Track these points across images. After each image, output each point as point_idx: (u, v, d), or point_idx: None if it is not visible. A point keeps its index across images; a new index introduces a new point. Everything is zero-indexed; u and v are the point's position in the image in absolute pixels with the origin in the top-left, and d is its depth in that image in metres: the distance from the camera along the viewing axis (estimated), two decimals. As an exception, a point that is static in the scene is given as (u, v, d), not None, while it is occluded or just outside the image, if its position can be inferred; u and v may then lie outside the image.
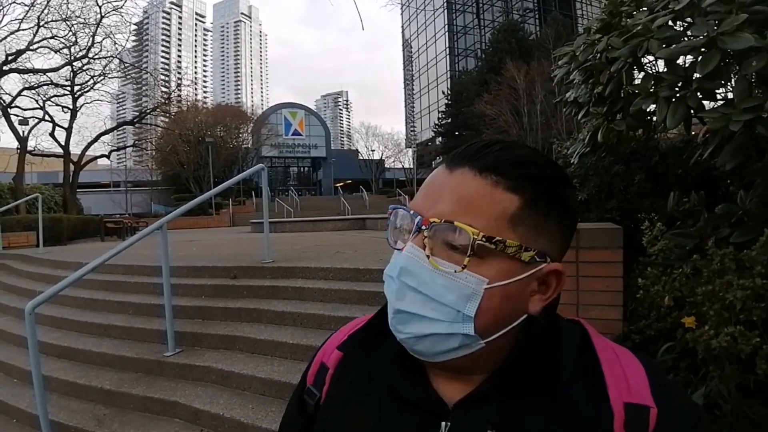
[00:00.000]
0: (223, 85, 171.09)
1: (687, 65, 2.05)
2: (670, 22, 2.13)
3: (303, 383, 0.77)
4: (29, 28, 19.15)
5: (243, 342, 3.84)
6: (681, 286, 2.21)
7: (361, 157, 54.73)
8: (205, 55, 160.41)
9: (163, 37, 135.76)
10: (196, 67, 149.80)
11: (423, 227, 0.56)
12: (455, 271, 0.55)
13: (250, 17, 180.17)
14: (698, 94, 1.94)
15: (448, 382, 0.62)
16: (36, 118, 21.81)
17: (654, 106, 2.26)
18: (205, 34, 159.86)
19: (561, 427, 0.56)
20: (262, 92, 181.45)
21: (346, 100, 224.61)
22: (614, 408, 0.56)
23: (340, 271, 4.52)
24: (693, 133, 2.88)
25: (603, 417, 0.56)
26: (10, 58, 18.64)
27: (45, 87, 21.44)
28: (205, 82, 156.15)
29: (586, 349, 0.62)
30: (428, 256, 0.56)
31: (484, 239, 0.54)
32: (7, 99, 20.02)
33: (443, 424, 0.59)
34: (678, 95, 1.99)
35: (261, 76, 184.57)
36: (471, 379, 0.61)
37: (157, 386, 3.56)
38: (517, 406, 0.58)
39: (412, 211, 0.59)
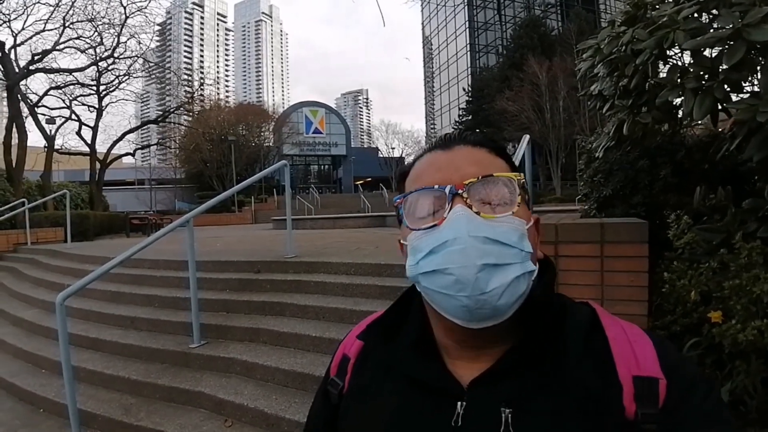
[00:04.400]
0: (245, 84, 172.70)
1: (713, 57, 2.02)
2: (696, 14, 2.11)
3: (327, 375, 0.80)
4: (55, 29, 19.60)
5: (267, 334, 3.89)
6: (708, 280, 2.19)
7: (381, 155, 54.83)
8: (227, 55, 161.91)
9: (186, 36, 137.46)
10: (218, 67, 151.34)
11: (459, 191, 0.60)
12: (512, 213, 0.61)
13: (271, 17, 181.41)
14: (725, 85, 1.91)
15: (463, 363, 0.65)
16: (63, 117, 22.49)
17: (681, 99, 2.23)
18: (226, 34, 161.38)
19: (571, 404, 0.57)
20: (283, 91, 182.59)
21: (366, 98, 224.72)
22: (623, 382, 0.58)
23: (362, 266, 4.55)
24: (720, 129, 2.82)
25: (612, 392, 0.57)
26: (36, 58, 19.09)
27: (71, 86, 22.02)
28: (227, 81, 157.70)
29: (595, 328, 0.63)
30: (478, 213, 0.59)
31: (523, 181, 0.63)
32: (34, 98, 20.58)
33: (459, 404, 0.61)
34: (704, 87, 1.97)
35: (282, 75, 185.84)
36: (486, 358, 0.63)
37: (182, 377, 3.64)
38: (528, 384, 0.60)
39: (436, 186, 0.62)
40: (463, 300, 0.57)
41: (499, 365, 0.62)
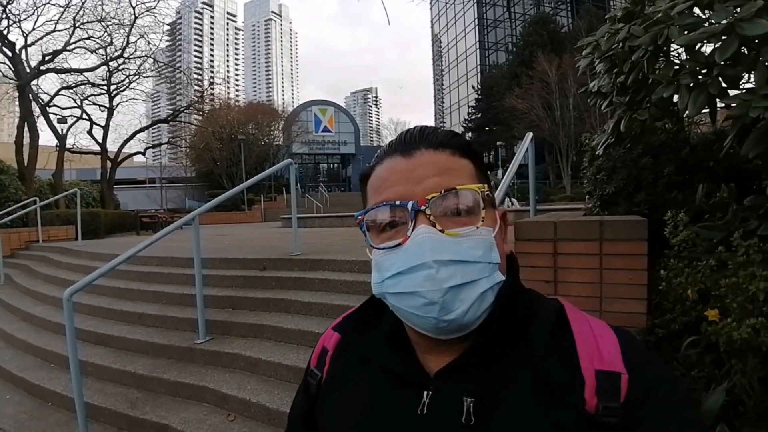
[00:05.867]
0: (255, 83, 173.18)
1: (710, 52, 2.01)
2: (697, 9, 2.09)
3: (308, 367, 0.83)
4: (65, 29, 19.79)
5: (271, 331, 3.94)
6: (705, 278, 2.17)
7: (390, 154, 54.73)
8: (236, 54, 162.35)
9: (196, 36, 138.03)
10: (228, 66, 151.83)
11: (422, 207, 0.59)
12: (477, 227, 0.61)
13: (280, 16, 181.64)
14: (720, 80, 1.90)
15: (432, 355, 0.66)
16: (74, 116, 22.75)
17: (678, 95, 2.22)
18: (236, 33, 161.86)
19: (533, 395, 0.59)
20: (292, 90, 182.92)
21: (376, 97, 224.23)
22: (585, 376, 0.58)
23: (366, 263, 4.56)
24: (724, 125, 2.80)
25: (574, 384, 0.58)
26: (47, 58, 19.29)
27: (82, 86, 22.28)
28: (236, 80, 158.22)
29: (562, 323, 0.65)
30: (442, 231, 0.59)
31: (486, 192, 0.63)
32: (46, 98, 20.85)
33: (425, 393, 0.63)
34: (699, 82, 1.96)
35: (291, 73, 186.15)
36: (454, 352, 0.64)
37: (187, 372, 3.69)
38: (493, 375, 0.61)
39: (398, 202, 0.61)
40: (430, 320, 0.59)
41: (464, 357, 0.63)
